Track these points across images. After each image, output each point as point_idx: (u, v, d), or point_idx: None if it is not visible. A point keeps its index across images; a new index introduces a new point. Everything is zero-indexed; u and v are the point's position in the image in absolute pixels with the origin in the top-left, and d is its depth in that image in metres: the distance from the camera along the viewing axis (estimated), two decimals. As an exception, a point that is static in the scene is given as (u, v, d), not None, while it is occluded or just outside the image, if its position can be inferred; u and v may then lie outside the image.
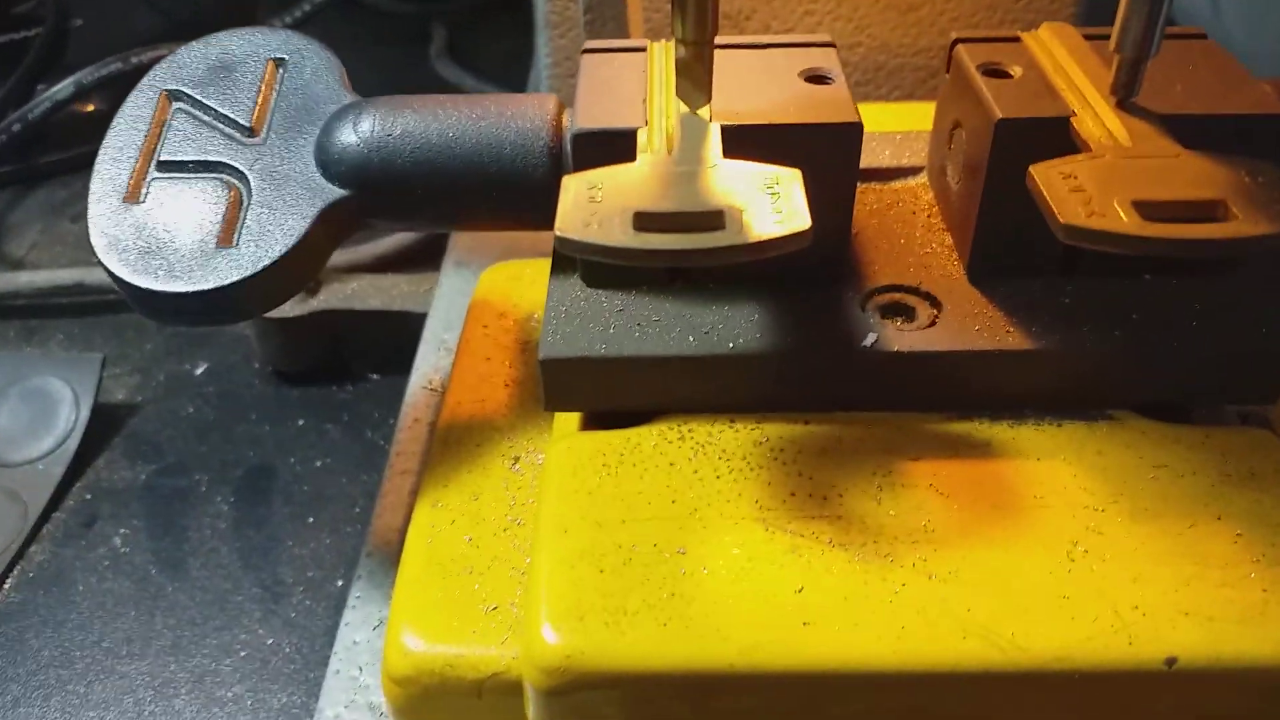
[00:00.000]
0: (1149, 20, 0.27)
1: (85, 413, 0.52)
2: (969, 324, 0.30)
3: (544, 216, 0.32)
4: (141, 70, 0.36)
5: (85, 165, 0.33)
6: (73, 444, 0.51)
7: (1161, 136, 0.27)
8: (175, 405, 0.55)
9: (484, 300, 0.42)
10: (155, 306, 0.31)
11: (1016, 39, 0.33)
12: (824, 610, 0.25)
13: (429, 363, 0.46)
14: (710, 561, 0.26)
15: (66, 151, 0.74)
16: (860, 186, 0.36)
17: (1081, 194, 0.25)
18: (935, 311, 0.31)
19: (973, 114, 0.31)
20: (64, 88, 0.61)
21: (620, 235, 0.24)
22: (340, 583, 0.45)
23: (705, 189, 0.26)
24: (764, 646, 0.25)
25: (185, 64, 0.35)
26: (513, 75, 0.82)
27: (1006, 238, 0.31)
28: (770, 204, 0.25)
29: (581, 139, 0.29)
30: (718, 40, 0.32)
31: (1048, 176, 0.25)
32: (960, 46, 0.33)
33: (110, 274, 0.31)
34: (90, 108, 0.74)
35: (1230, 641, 0.24)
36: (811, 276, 0.32)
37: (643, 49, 0.33)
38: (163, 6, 0.94)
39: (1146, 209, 0.24)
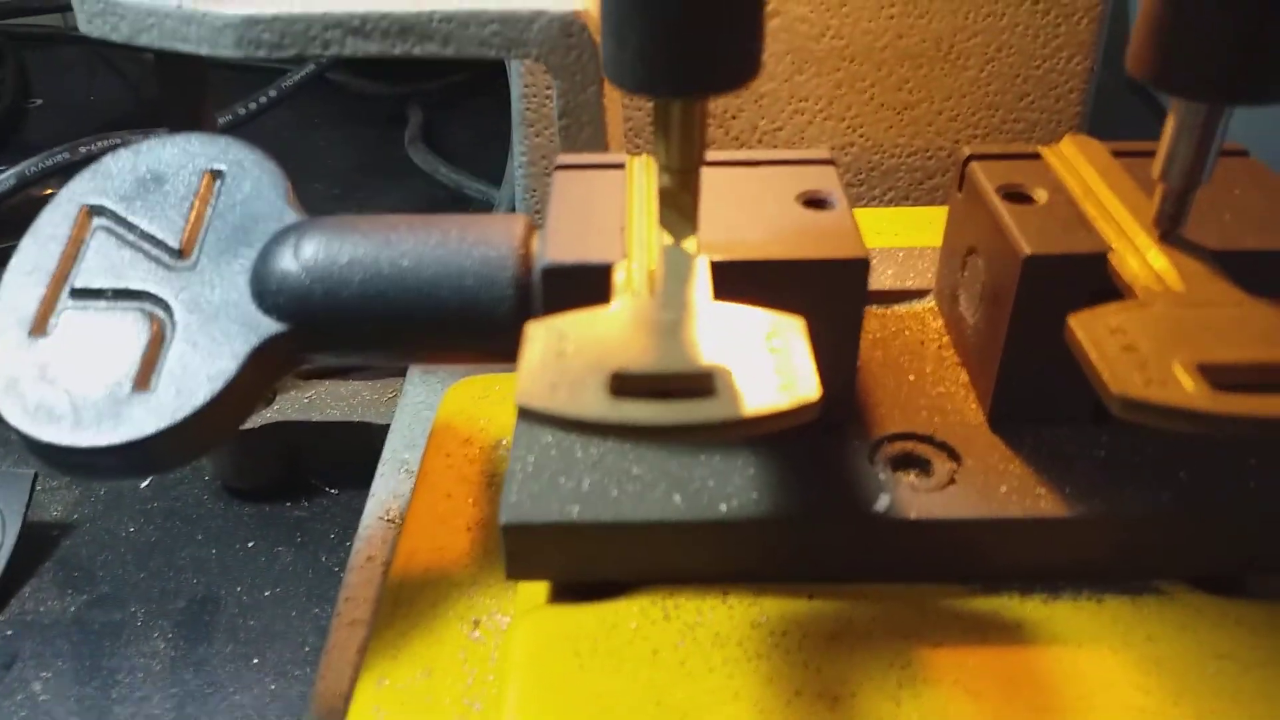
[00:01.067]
0: (1200, 145, 0.24)
1: (12, 537, 0.47)
2: (994, 483, 0.26)
3: (510, 353, 0.28)
4: (91, 160, 0.33)
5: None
6: (-5, 573, 0.46)
7: (1218, 278, 0.24)
8: (114, 525, 0.51)
9: (447, 423, 0.38)
10: (59, 461, 0.27)
11: (1036, 155, 0.30)
12: None
13: (387, 488, 0.42)
14: (701, 789, 0.22)
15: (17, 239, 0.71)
16: (863, 311, 0.33)
17: (1134, 354, 0.21)
18: (954, 465, 0.27)
19: (992, 243, 0.27)
20: (5, 179, 0.57)
21: (594, 404, 0.20)
22: (284, 740, 0.40)
23: (693, 342, 0.22)
24: None
25: (111, 174, 0.32)
26: (488, 157, 0.79)
27: (1033, 382, 0.27)
28: (771, 363, 0.21)
29: (551, 274, 0.26)
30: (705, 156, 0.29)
31: (1093, 332, 0.22)
32: (975, 164, 0.29)
33: (6, 422, 0.27)
34: (48, 191, 0.71)
35: None
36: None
37: (622, 165, 0.30)
38: (131, 81, 0.91)
39: (1214, 374, 0.21)
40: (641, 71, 0.21)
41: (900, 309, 0.33)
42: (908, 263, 0.35)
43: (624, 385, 0.21)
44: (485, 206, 0.75)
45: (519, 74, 0.44)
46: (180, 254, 0.30)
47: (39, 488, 0.51)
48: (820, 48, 0.45)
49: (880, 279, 0.34)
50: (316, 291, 0.28)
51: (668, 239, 0.26)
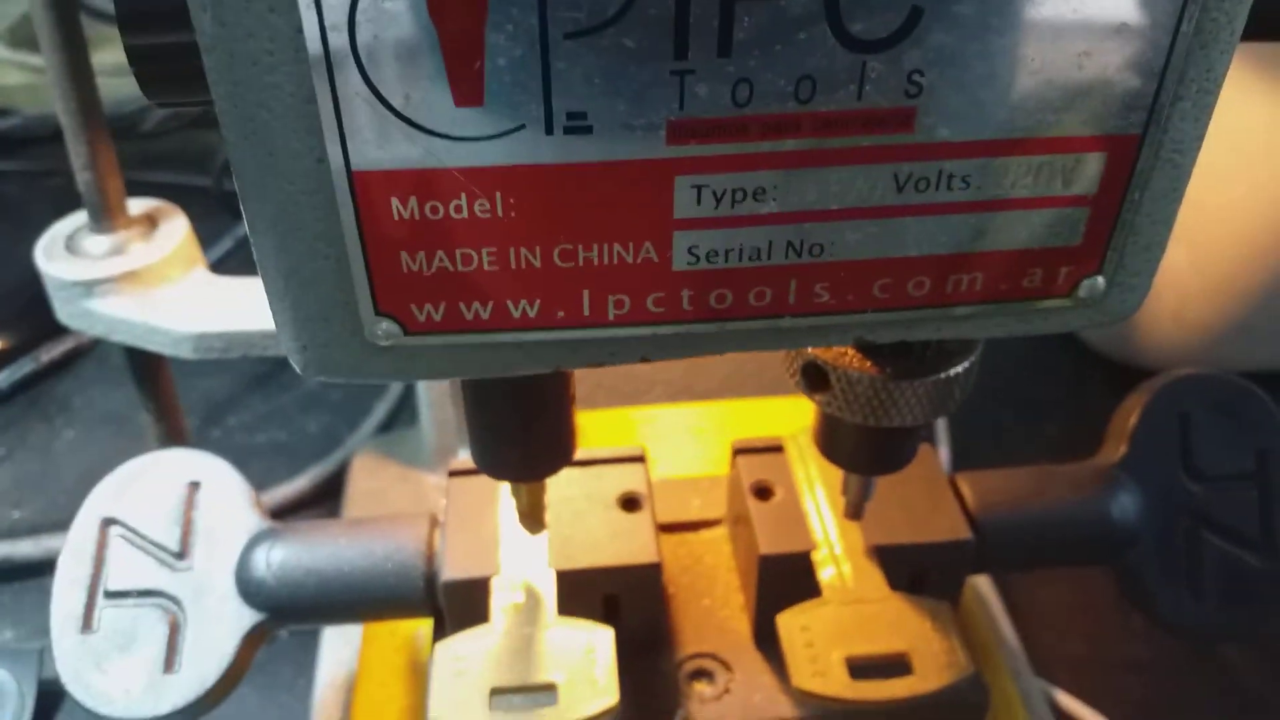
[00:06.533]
0: (859, 488, 0.37)
1: (30, 705, 0.58)
2: (752, 692, 0.40)
3: (428, 613, 0.40)
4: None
5: None
6: (18, 737, 0.57)
7: (874, 573, 0.37)
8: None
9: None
10: (114, 727, 0.39)
11: (779, 448, 0.43)
12: None
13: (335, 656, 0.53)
14: None
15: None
16: (675, 539, 0.46)
17: (811, 650, 0.35)
18: (730, 676, 0.40)
19: (746, 530, 0.40)
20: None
21: (479, 716, 0.33)
22: None
23: (541, 656, 0.35)
24: None
25: (117, 489, 0.43)
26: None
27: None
28: (589, 670, 0.34)
29: (449, 589, 0.38)
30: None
31: (789, 629, 0.35)
32: (739, 458, 0.42)
33: (76, 699, 0.38)
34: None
35: None
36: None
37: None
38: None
39: (855, 663, 0.34)
40: (488, 463, 0.33)
41: (704, 534, 0.46)
42: (711, 492, 0.47)
43: (501, 692, 0.34)
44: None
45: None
46: (180, 555, 0.41)
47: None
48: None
49: (689, 509, 0.47)
50: (283, 593, 0.40)
51: (527, 549, 0.38)
